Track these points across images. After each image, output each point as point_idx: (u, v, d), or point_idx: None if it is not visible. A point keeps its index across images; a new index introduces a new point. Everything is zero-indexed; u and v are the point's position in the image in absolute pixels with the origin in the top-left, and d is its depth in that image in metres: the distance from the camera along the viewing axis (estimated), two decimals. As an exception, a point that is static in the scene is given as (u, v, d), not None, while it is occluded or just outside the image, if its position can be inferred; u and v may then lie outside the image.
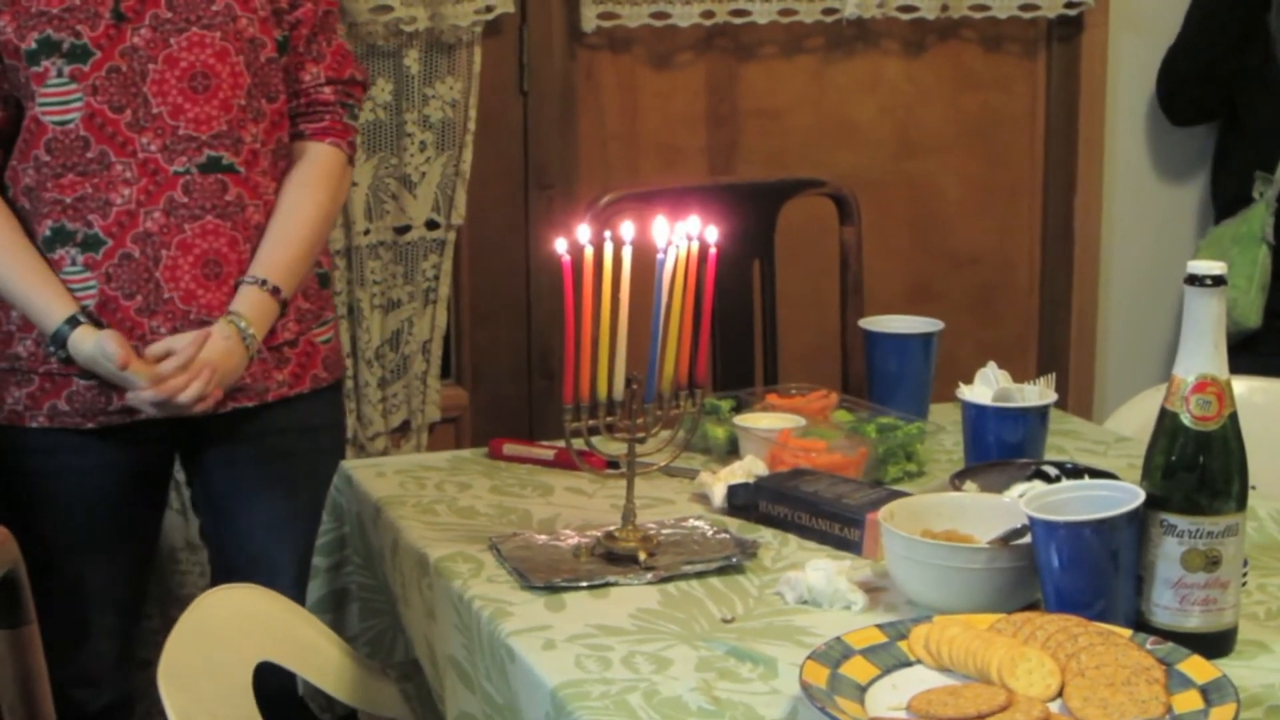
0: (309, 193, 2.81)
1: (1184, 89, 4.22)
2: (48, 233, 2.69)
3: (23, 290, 2.67)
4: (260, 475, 2.84)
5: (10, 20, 2.63)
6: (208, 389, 2.64)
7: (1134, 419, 2.91)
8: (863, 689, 1.78)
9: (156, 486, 2.91)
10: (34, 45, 2.63)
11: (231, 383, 2.71)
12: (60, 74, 2.64)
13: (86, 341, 2.63)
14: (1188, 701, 1.71)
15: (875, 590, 2.09)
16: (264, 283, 2.72)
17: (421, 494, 2.48)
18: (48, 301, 2.66)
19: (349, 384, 3.59)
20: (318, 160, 2.84)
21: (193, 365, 2.63)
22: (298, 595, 2.55)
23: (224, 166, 2.71)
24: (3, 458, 2.83)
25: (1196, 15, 4.18)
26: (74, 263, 2.69)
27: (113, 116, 2.66)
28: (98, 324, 2.66)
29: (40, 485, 2.79)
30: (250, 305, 2.71)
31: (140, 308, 2.69)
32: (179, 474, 3.02)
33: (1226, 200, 4.16)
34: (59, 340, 2.66)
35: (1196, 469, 1.86)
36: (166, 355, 2.65)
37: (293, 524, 2.81)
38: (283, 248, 2.76)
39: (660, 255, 2.12)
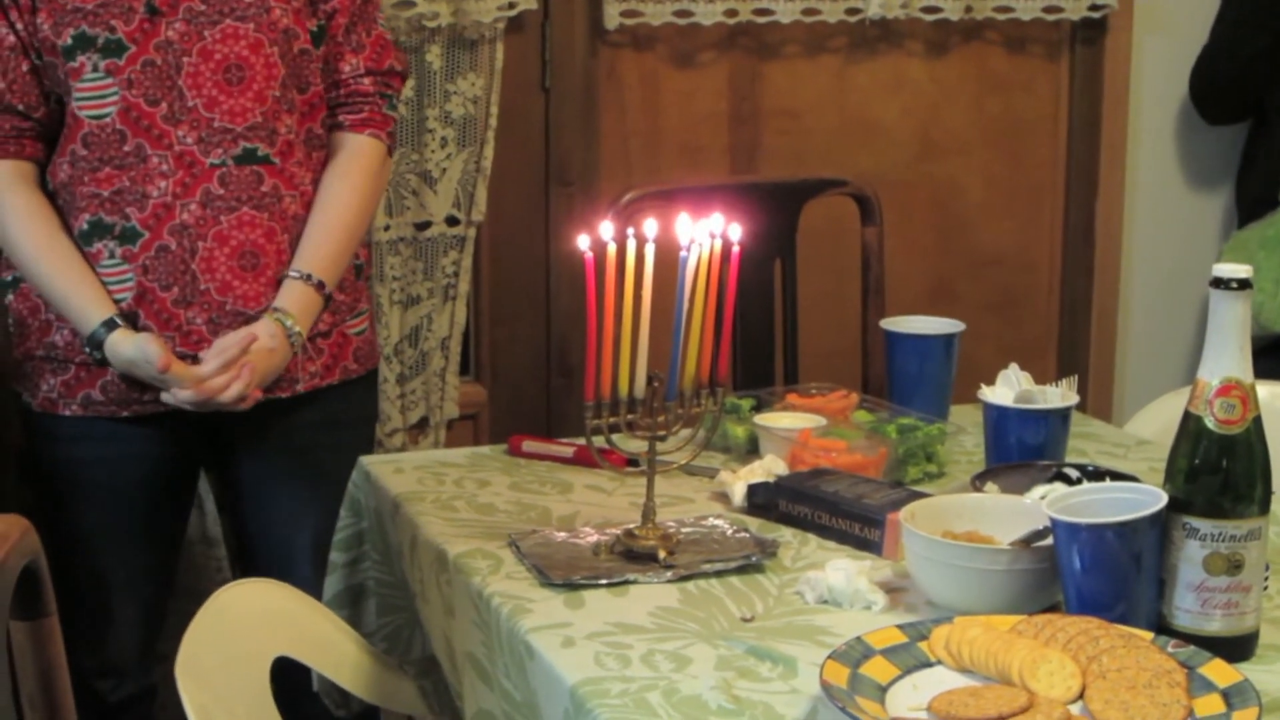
0: (349, 184, 2.82)
1: (1219, 88, 4.20)
2: (85, 226, 2.71)
3: (61, 290, 2.69)
4: (285, 465, 2.85)
5: (47, 17, 2.66)
6: (248, 389, 2.65)
7: (1154, 422, 2.90)
8: (883, 689, 1.78)
9: (186, 477, 2.93)
10: (70, 41, 2.65)
11: (272, 379, 2.73)
12: (96, 69, 2.66)
13: (125, 344, 2.65)
14: (1209, 705, 1.71)
15: (895, 591, 2.08)
16: (309, 277, 2.74)
17: (440, 490, 2.47)
18: (85, 303, 2.68)
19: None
20: (357, 152, 2.85)
21: (233, 365, 2.64)
22: (316, 585, 2.55)
23: (259, 158, 2.72)
24: (34, 445, 2.85)
25: (1231, 15, 4.16)
26: (111, 255, 2.70)
27: (148, 110, 2.67)
28: (134, 325, 2.68)
29: (70, 472, 2.81)
30: (295, 301, 2.73)
31: (177, 299, 2.70)
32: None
33: (1252, 203, 4.15)
34: (95, 342, 2.67)
35: (1220, 472, 1.85)
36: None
37: (314, 514, 2.82)
38: (325, 241, 2.77)
39: (683, 253, 2.11)
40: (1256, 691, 1.71)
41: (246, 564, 3.00)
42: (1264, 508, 1.87)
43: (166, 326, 2.69)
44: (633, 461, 2.43)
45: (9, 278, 2.82)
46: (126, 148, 2.68)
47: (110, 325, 2.66)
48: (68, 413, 2.78)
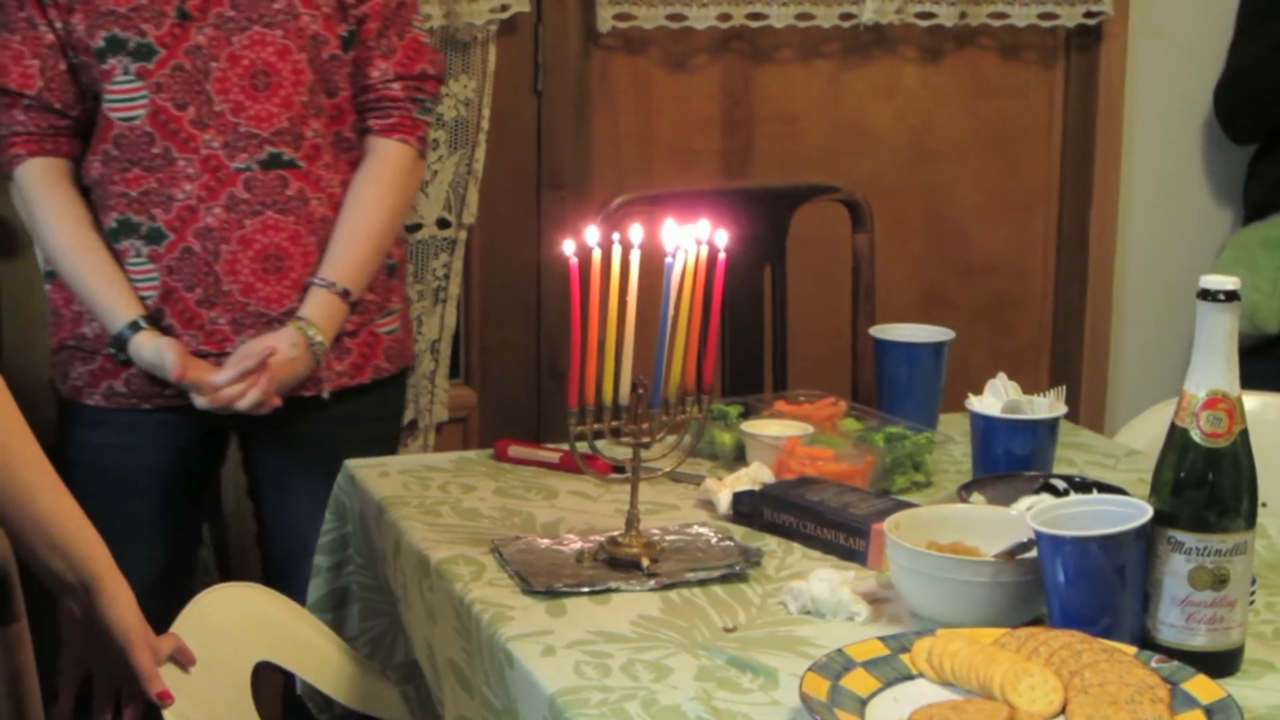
0: (376, 191, 2.84)
1: (1251, 108, 4.17)
2: (114, 224, 2.77)
3: (90, 288, 2.76)
4: (305, 459, 2.87)
5: (82, 18, 2.71)
6: (266, 396, 2.70)
7: (1145, 433, 2.89)
8: (863, 702, 1.77)
9: (203, 473, 2.97)
10: (102, 43, 2.70)
11: (292, 387, 2.76)
12: (126, 72, 2.71)
13: (146, 347, 2.72)
14: (1192, 721, 1.70)
15: (879, 602, 2.07)
16: (333, 285, 2.78)
17: (425, 495, 2.47)
18: (112, 302, 2.74)
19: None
20: (385, 157, 2.87)
21: (251, 374, 2.69)
22: None
23: (285, 162, 2.76)
24: (61, 431, 2.90)
25: (1267, 35, 4.12)
26: (138, 254, 2.76)
27: (176, 114, 2.71)
28: (159, 324, 2.73)
29: (90, 458, 2.84)
30: (319, 309, 2.77)
31: (200, 300, 2.75)
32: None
33: (1258, 202, 4.14)
34: (119, 343, 2.74)
35: (1205, 486, 1.84)
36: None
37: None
38: (351, 247, 2.80)
39: (669, 259, 2.10)
40: (1239, 708, 1.70)
41: (264, 556, 3.05)
42: (1250, 522, 1.86)
43: (190, 326, 2.75)
44: (618, 468, 2.42)
45: (49, 268, 2.89)
46: (154, 150, 2.72)
47: (135, 327, 2.72)
48: (91, 401, 2.84)
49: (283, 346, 2.71)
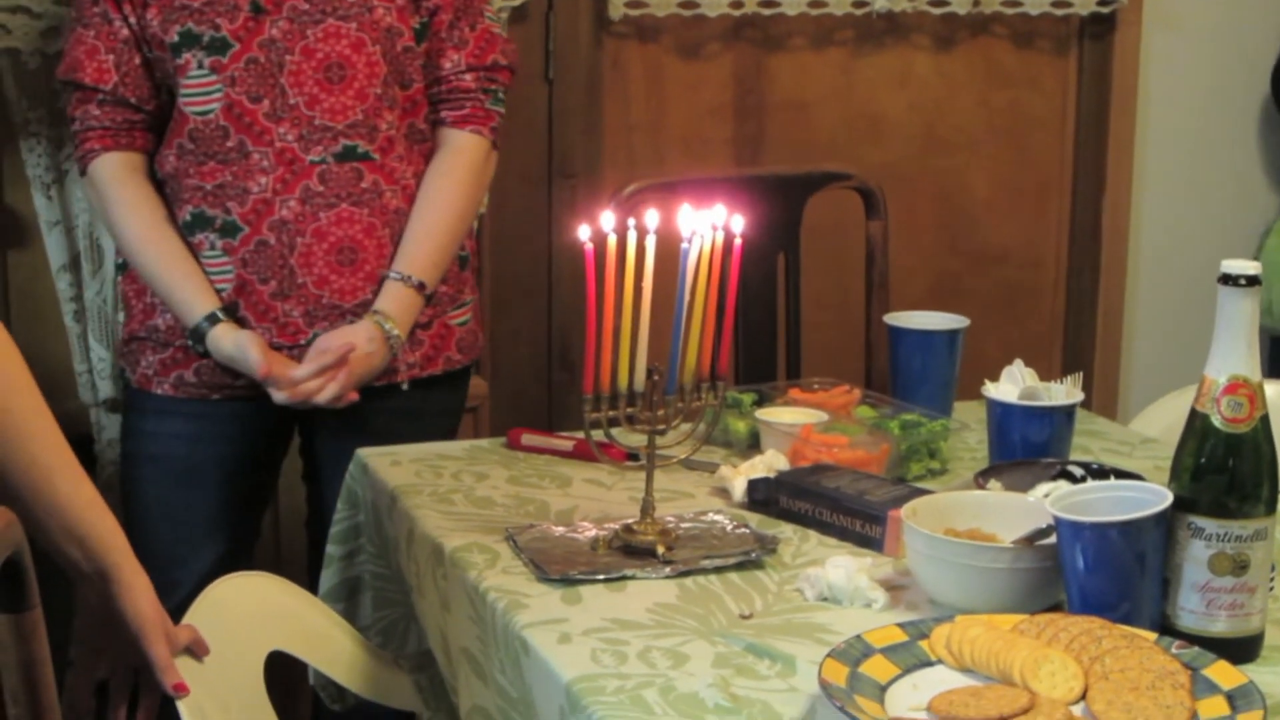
0: (450, 182, 2.85)
1: None
2: (188, 217, 2.78)
3: (167, 281, 2.77)
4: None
5: (156, 14, 2.72)
6: (344, 390, 2.72)
7: (1159, 420, 2.88)
8: (883, 688, 1.76)
9: (268, 465, 2.98)
10: (176, 38, 2.71)
11: (369, 380, 2.77)
12: (200, 66, 2.72)
13: (226, 340, 2.73)
14: (1213, 707, 1.69)
15: (896, 588, 2.06)
16: (409, 278, 2.78)
17: (438, 483, 2.46)
18: (189, 295, 2.75)
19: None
20: (459, 149, 2.87)
21: (330, 370, 2.70)
22: None
23: (360, 155, 2.76)
24: (127, 419, 2.95)
25: None
26: (213, 247, 2.77)
27: (250, 107, 2.72)
28: (234, 316, 2.75)
29: (150, 444, 2.88)
30: (395, 303, 2.77)
31: (275, 292, 2.76)
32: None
33: None
34: (198, 335, 2.75)
35: (1226, 471, 1.83)
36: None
37: None
38: (426, 240, 2.81)
39: (685, 245, 2.09)
40: (1261, 694, 1.69)
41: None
42: (1270, 508, 1.85)
43: (264, 318, 2.76)
44: (632, 455, 2.41)
45: (120, 260, 2.91)
46: (229, 143, 2.73)
47: (213, 320, 2.74)
48: (160, 391, 2.85)
49: (360, 341, 2.72)
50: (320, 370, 2.70)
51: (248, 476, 2.93)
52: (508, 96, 3.56)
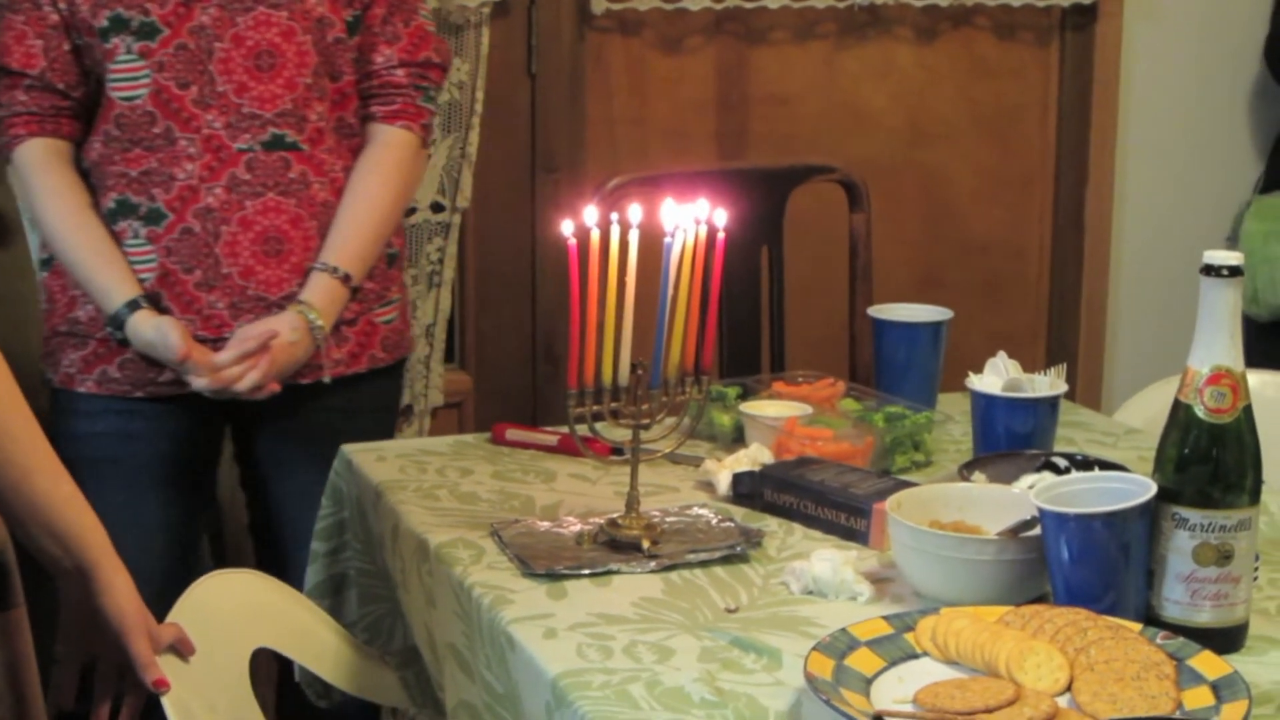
0: (380, 177, 2.83)
1: None
2: (112, 204, 2.75)
3: (88, 268, 2.73)
4: (301, 448, 2.85)
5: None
6: (265, 380, 2.68)
7: (1143, 411, 2.89)
8: (868, 681, 1.76)
9: (202, 462, 2.93)
10: (105, 23, 2.69)
11: (292, 371, 2.74)
12: (129, 51, 2.70)
13: (145, 326, 2.69)
14: (1198, 697, 1.69)
15: (881, 581, 2.06)
16: (335, 270, 2.76)
17: (423, 479, 2.45)
18: (110, 281, 2.72)
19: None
20: (388, 144, 2.85)
21: (251, 356, 2.67)
22: None
23: (288, 144, 2.74)
24: (54, 421, 2.85)
25: None
26: (136, 235, 2.74)
27: (179, 93, 2.70)
28: (157, 306, 2.71)
29: (84, 447, 2.79)
30: (320, 293, 2.75)
31: (199, 282, 2.73)
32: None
33: None
34: (117, 322, 2.71)
35: (1210, 462, 1.83)
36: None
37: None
38: (354, 233, 2.78)
39: (668, 239, 2.09)
40: (1246, 684, 1.69)
41: (258, 545, 3.03)
42: (1254, 498, 1.85)
43: (188, 309, 2.73)
44: (617, 450, 2.41)
45: (45, 255, 2.88)
46: (156, 130, 2.71)
47: (133, 306, 2.70)
48: (84, 389, 2.81)
49: (283, 330, 2.69)
50: (242, 357, 2.66)
51: (185, 475, 2.88)
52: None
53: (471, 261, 3.80)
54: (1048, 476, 2.15)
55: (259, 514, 2.99)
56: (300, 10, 2.72)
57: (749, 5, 3.86)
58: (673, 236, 2.09)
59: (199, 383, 2.68)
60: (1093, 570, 1.86)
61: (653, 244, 2.10)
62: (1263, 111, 4.38)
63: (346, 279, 2.76)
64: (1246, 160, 4.39)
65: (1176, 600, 1.85)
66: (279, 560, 2.87)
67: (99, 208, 2.76)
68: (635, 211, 2.08)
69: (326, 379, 2.80)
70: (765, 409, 2.56)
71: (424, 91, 2.87)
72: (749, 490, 2.34)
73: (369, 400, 2.92)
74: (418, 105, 2.86)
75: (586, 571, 2.09)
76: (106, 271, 2.72)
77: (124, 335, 2.72)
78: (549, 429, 2.62)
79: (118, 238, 2.74)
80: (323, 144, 2.77)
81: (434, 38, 2.88)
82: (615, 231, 2.06)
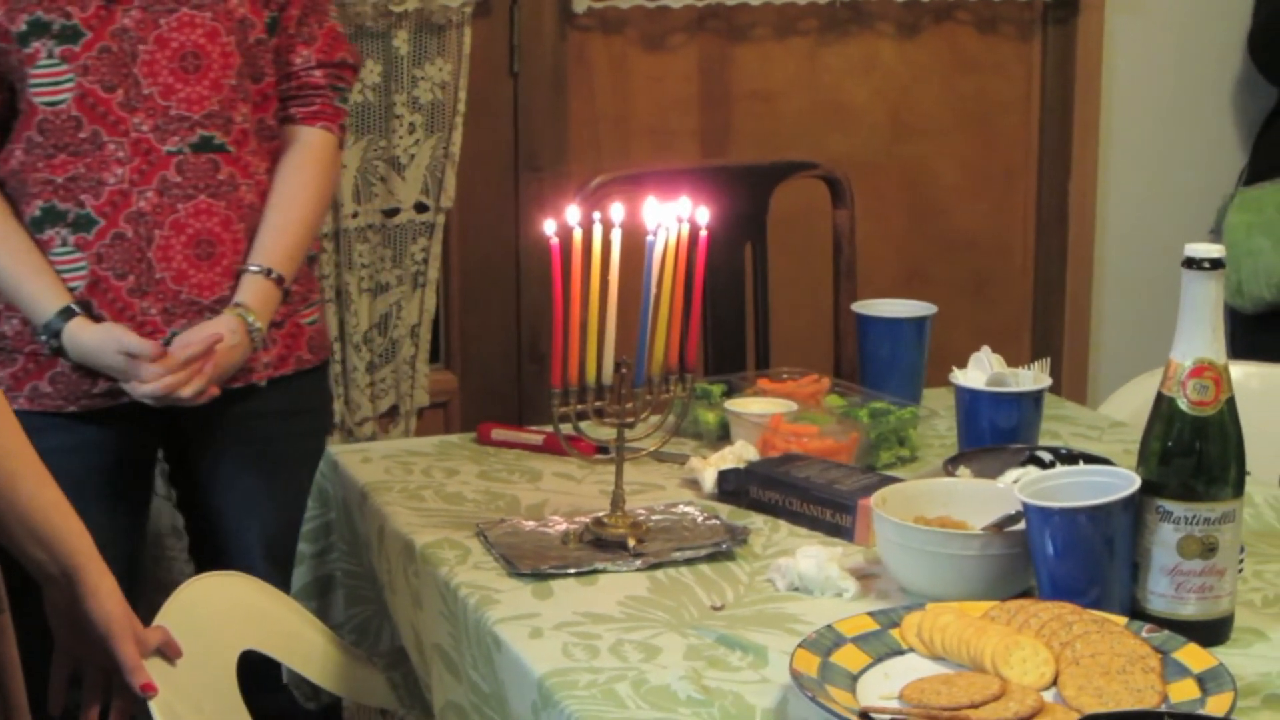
0: (305, 178, 2.80)
1: None
2: (37, 213, 2.68)
3: (14, 279, 2.66)
4: (240, 455, 2.82)
5: (1, 3, 2.62)
6: (208, 385, 2.64)
7: (1128, 404, 2.89)
8: (854, 678, 1.76)
9: (140, 474, 2.88)
10: (24, 27, 2.62)
11: (230, 374, 2.71)
12: (51, 55, 2.64)
13: (86, 333, 2.63)
14: (1184, 690, 1.69)
15: (867, 577, 2.06)
16: (269, 272, 2.73)
17: (408, 479, 2.45)
18: (39, 291, 2.65)
19: (336, 368, 3.57)
20: (310, 145, 2.83)
21: (196, 361, 2.63)
22: (267, 576, 2.52)
23: (215, 146, 2.70)
24: None
25: None
26: (64, 243, 2.67)
27: (104, 96, 2.65)
28: (89, 314, 2.65)
29: None
30: (256, 295, 2.72)
31: (132, 288, 2.68)
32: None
33: (1273, 160, 4.12)
34: (51, 331, 2.64)
35: (1193, 454, 1.83)
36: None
37: (266, 505, 2.82)
38: (283, 234, 2.76)
39: (650, 238, 2.09)
40: (1231, 676, 1.70)
41: (198, 556, 2.98)
42: (1238, 490, 1.85)
43: (120, 316, 2.67)
44: (602, 449, 2.41)
45: None
46: (82, 134, 2.65)
47: (67, 314, 2.64)
48: (15, 407, 2.68)
49: (224, 334, 2.66)
50: (188, 361, 2.62)
51: (126, 484, 2.83)
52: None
53: (456, 261, 3.80)
54: (1032, 471, 2.16)
55: (199, 534, 2.95)
56: (223, 11, 2.69)
57: (731, 2, 3.86)
58: (655, 235, 2.09)
59: (144, 390, 2.62)
60: (1078, 564, 1.86)
61: (636, 242, 2.10)
62: (1246, 104, 4.39)
63: (280, 281, 2.74)
64: (1230, 153, 4.39)
65: (1161, 593, 1.86)
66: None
67: (21, 217, 2.69)
68: (617, 210, 2.08)
69: (262, 383, 2.78)
70: (750, 406, 2.56)
71: (340, 92, 2.86)
72: (734, 487, 2.34)
73: (301, 401, 2.89)
74: (335, 106, 2.85)
75: (572, 571, 2.09)
76: (34, 280, 2.65)
77: (59, 344, 2.65)
78: (534, 428, 2.62)
79: (44, 247, 2.67)
80: (247, 146, 2.74)
81: (345, 39, 2.87)
82: (597, 230, 2.06)
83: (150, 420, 2.76)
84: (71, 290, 2.66)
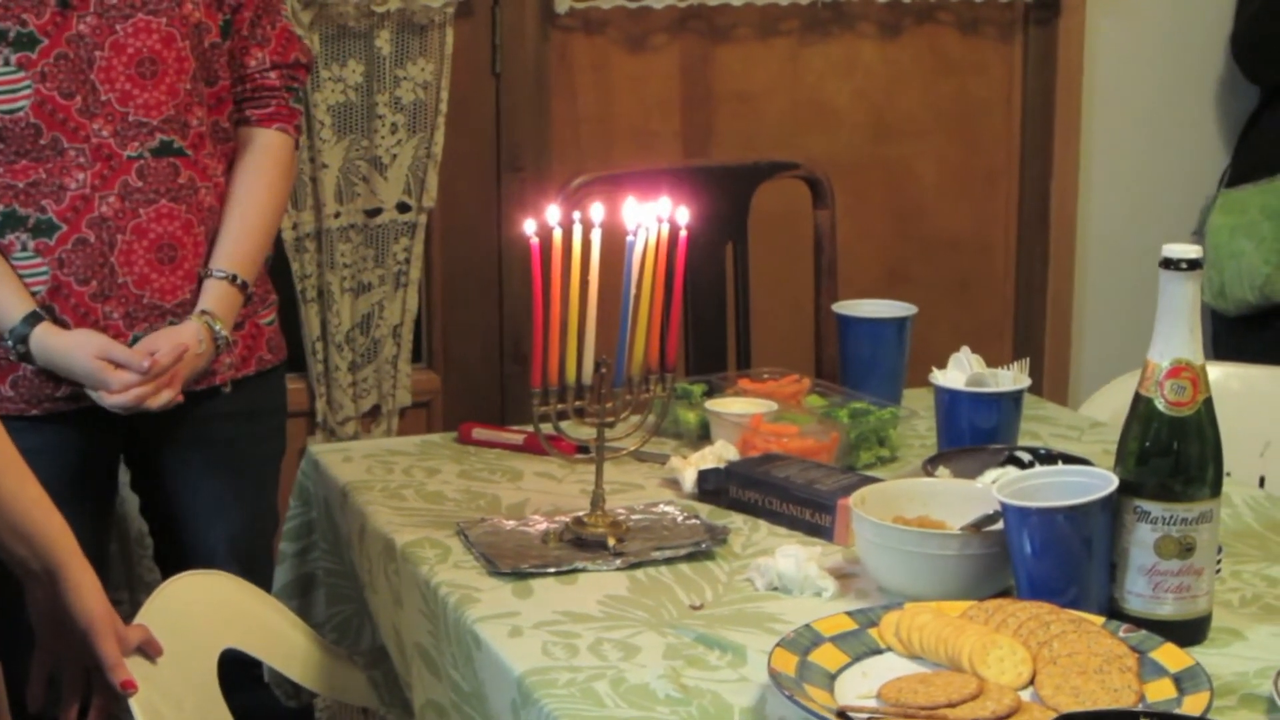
0: (264, 180, 2.80)
1: (1273, 47, 4.18)
2: None
3: None
4: (203, 457, 2.81)
5: None
6: (176, 394, 2.64)
7: (1109, 405, 2.89)
8: (832, 677, 1.77)
9: (104, 475, 2.86)
10: None
11: (195, 380, 2.70)
12: (8, 62, 2.62)
13: (54, 338, 2.62)
14: (1160, 690, 1.70)
15: (846, 577, 2.07)
16: (234, 278, 2.72)
17: (389, 479, 2.46)
18: (3, 297, 2.63)
19: (318, 368, 3.57)
20: (268, 147, 2.83)
21: (165, 371, 2.62)
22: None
23: (175, 150, 2.69)
24: None
25: None
26: (24, 248, 2.66)
27: (63, 103, 2.63)
28: (51, 319, 2.64)
29: None
30: (219, 302, 2.71)
31: (95, 293, 2.66)
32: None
33: (1255, 162, 4.13)
34: (19, 337, 2.63)
35: (1170, 455, 1.84)
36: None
37: (231, 507, 2.81)
38: (244, 238, 2.75)
39: (630, 238, 2.10)
40: (1208, 675, 1.70)
41: (163, 561, 2.96)
42: (1215, 490, 1.86)
43: (83, 321, 2.65)
44: (582, 448, 2.42)
45: None
46: (42, 141, 2.64)
47: (33, 319, 2.62)
48: None
49: (191, 343, 2.66)
50: (159, 372, 2.61)
51: (90, 488, 2.80)
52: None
53: (438, 261, 3.80)
54: (1011, 471, 2.16)
55: (163, 536, 2.93)
56: (178, 16, 2.67)
57: (712, 3, 3.86)
58: (635, 235, 2.10)
59: (113, 400, 2.61)
60: (1055, 564, 1.87)
61: (617, 242, 2.10)
62: (1228, 105, 4.40)
63: (243, 285, 2.73)
64: (1212, 154, 4.39)
65: (1139, 593, 1.86)
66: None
67: None
68: (598, 210, 2.08)
69: (226, 388, 2.78)
70: (730, 406, 2.57)
71: (294, 93, 2.85)
72: (714, 487, 2.34)
73: (264, 401, 2.89)
74: (290, 107, 2.85)
75: (552, 570, 2.09)
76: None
77: (26, 350, 2.63)
78: (515, 428, 2.63)
79: (4, 251, 2.65)
80: (204, 149, 2.73)
81: (298, 39, 2.86)
82: (578, 230, 2.06)
83: (113, 422, 2.74)
84: (33, 295, 2.64)
